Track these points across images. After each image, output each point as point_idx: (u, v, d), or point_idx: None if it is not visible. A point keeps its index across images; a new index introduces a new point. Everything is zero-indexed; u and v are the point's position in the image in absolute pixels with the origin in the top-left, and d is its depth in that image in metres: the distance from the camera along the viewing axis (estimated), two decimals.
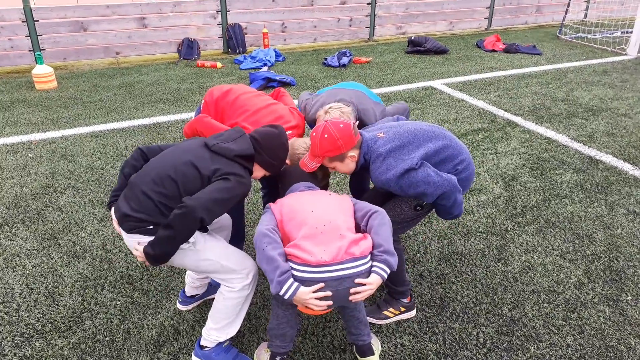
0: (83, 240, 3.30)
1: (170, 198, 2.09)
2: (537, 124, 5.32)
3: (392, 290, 2.64)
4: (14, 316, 2.66)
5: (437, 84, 6.68)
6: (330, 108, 2.74)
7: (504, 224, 3.54)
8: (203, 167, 2.14)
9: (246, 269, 2.25)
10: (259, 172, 2.37)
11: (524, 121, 5.38)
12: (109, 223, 3.49)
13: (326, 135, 2.34)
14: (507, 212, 3.69)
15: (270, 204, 2.26)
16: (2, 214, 3.59)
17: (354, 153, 2.41)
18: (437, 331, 2.61)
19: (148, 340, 2.52)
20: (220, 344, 2.35)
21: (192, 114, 5.51)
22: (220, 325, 2.29)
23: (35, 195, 3.84)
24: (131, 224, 2.11)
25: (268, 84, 6.46)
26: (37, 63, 6.48)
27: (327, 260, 1.97)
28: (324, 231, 2.05)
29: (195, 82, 6.70)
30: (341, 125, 2.35)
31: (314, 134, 2.40)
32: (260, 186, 3.21)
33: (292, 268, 1.99)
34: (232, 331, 2.33)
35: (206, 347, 2.35)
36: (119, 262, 3.09)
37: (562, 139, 4.96)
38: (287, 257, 2.03)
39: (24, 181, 4.04)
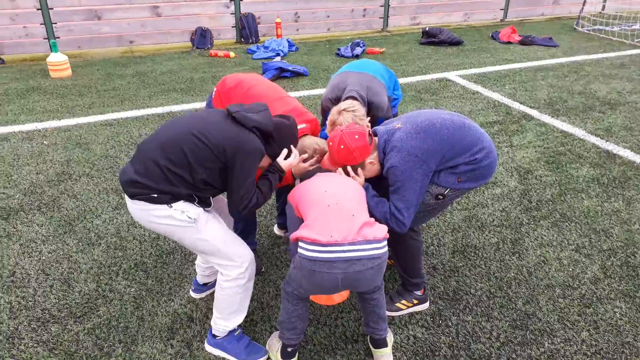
0: (98, 227, 3.32)
1: (177, 166, 2.05)
2: (553, 117, 5.25)
3: (406, 282, 2.63)
4: (30, 301, 2.69)
5: (452, 75, 6.61)
6: (344, 110, 2.70)
7: (519, 218, 3.50)
8: (213, 135, 2.06)
9: (241, 258, 2.23)
10: (266, 161, 2.34)
11: (539, 114, 5.31)
12: (123, 211, 3.51)
13: (342, 147, 2.35)
14: (522, 205, 3.65)
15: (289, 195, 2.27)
16: (18, 200, 3.63)
17: (372, 159, 2.39)
18: (450, 324, 2.60)
19: (162, 327, 2.53)
20: (231, 332, 2.36)
21: (204, 104, 5.50)
22: (225, 314, 2.30)
23: (51, 182, 3.87)
24: (136, 190, 2.07)
25: (281, 74, 6.43)
26: (51, 51, 6.51)
27: (338, 239, 1.96)
28: (335, 210, 2.04)
29: (208, 72, 6.69)
30: (356, 137, 2.34)
31: (330, 143, 2.40)
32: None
33: (302, 247, 1.99)
34: (239, 319, 2.34)
35: (218, 336, 2.36)
36: (133, 250, 3.11)
37: (579, 132, 4.89)
38: (299, 239, 2.03)
39: (40, 168, 4.08)
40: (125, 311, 2.63)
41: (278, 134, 2.27)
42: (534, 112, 5.36)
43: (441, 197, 2.38)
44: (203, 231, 2.16)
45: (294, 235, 2.06)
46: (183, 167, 2.05)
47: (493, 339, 2.51)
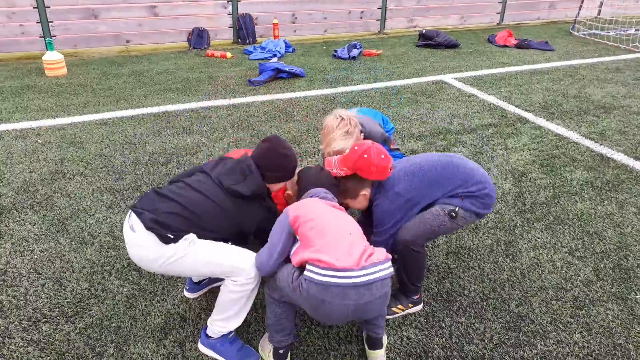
0: (91, 226, 3.31)
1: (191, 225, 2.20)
2: (548, 120, 5.27)
3: (407, 288, 2.63)
4: (22, 300, 2.68)
5: (448, 78, 6.63)
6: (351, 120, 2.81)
7: (513, 220, 3.51)
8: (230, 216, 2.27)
9: (248, 264, 2.22)
10: (276, 186, 2.48)
11: (535, 117, 5.33)
12: (117, 210, 3.49)
13: (365, 156, 2.40)
14: (516, 208, 3.66)
15: (288, 207, 2.25)
16: (11, 198, 3.61)
17: (366, 192, 2.52)
18: (443, 325, 2.60)
19: (154, 327, 2.52)
20: (225, 335, 2.35)
21: (201, 104, 5.50)
22: (225, 316, 2.29)
23: (44, 180, 3.86)
24: (153, 226, 2.12)
25: (277, 74, 6.43)
26: (47, 49, 6.50)
27: (352, 265, 1.94)
28: (346, 237, 2.05)
29: (205, 72, 6.69)
30: (382, 156, 2.42)
31: (356, 147, 2.45)
32: None
33: (313, 272, 1.95)
34: (237, 323, 2.32)
35: (211, 337, 2.35)
36: (125, 249, 3.09)
37: (573, 135, 4.91)
38: (307, 262, 2.00)
39: (33, 167, 4.06)
40: (117, 311, 2.62)
41: (266, 162, 2.39)
42: (529, 115, 5.38)
43: (454, 215, 2.47)
44: (200, 253, 2.18)
45: (299, 259, 2.04)
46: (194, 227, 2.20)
47: (486, 340, 2.52)
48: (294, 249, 2.14)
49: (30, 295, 2.71)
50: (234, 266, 2.20)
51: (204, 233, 2.20)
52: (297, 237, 2.13)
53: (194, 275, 2.32)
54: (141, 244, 2.15)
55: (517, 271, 3.01)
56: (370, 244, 2.15)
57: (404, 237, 2.49)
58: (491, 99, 5.87)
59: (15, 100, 5.51)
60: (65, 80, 6.22)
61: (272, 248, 2.16)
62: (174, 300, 2.71)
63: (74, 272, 2.90)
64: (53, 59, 6.38)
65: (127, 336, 2.46)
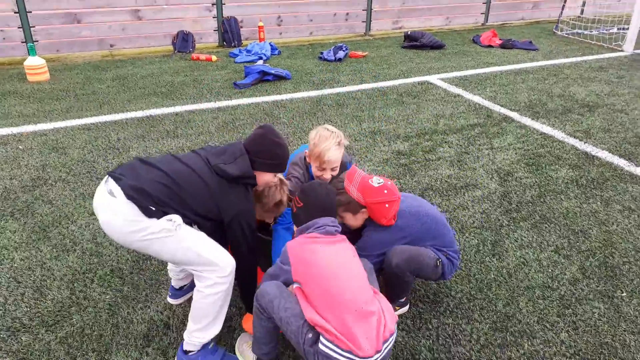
0: (73, 233, 3.25)
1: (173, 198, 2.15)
2: (533, 119, 5.29)
3: (394, 298, 2.59)
4: (0, 310, 2.62)
5: (433, 78, 6.64)
6: (325, 128, 2.82)
7: (499, 220, 3.51)
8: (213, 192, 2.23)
9: (224, 261, 2.17)
10: (265, 176, 2.41)
11: (520, 117, 5.36)
12: None
13: (387, 206, 2.40)
14: (502, 207, 3.67)
15: (289, 248, 2.18)
16: None
17: (365, 213, 2.48)
18: (430, 327, 2.58)
19: (137, 334, 2.48)
20: (205, 345, 2.28)
21: (186, 107, 5.45)
22: (202, 325, 2.21)
23: (25, 187, 3.79)
24: (134, 194, 2.06)
25: (263, 77, 6.40)
26: (29, 55, 6.40)
27: (371, 353, 1.92)
28: (362, 315, 1.98)
29: (190, 75, 6.64)
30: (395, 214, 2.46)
31: (386, 191, 2.41)
32: None
33: (334, 350, 1.92)
34: (215, 330, 2.26)
35: (191, 351, 2.27)
36: (109, 256, 3.04)
37: (558, 134, 4.93)
38: (323, 333, 1.96)
39: (14, 173, 3.98)
40: (99, 319, 2.57)
41: (258, 148, 2.37)
42: (514, 115, 5.40)
43: (438, 264, 2.52)
44: (184, 238, 2.12)
45: (311, 318, 1.99)
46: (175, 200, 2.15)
47: (473, 341, 2.50)
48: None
49: (10, 305, 2.65)
50: (211, 260, 2.14)
51: (184, 210, 2.14)
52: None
53: (166, 259, 2.24)
54: (118, 212, 2.06)
55: (504, 271, 3.01)
56: None
57: (395, 263, 2.43)
58: (477, 99, 5.89)
59: None
60: (48, 86, 6.13)
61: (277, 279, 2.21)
62: (157, 307, 2.66)
63: (54, 280, 2.84)
64: (35, 64, 6.28)
65: (109, 345, 2.41)
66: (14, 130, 4.81)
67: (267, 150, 2.36)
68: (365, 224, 2.54)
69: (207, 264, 2.14)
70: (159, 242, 2.09)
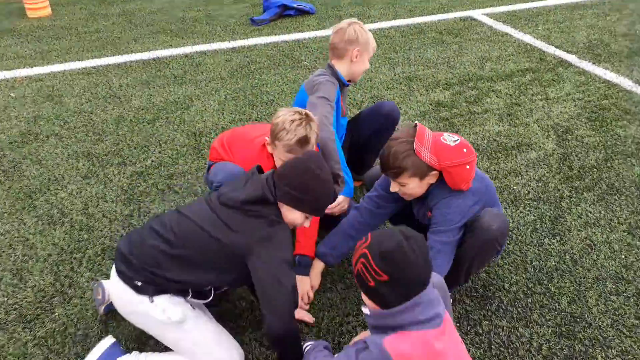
0: (62, 201, 2.84)
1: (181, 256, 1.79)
2: (594, 63, 4.55)
3: (456, 279, 2.14)
4: None
5: (477, 14, 5.83)
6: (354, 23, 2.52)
7: (559, 189, 2.96)
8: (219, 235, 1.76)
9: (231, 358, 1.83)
10: (290, 213, 1.83)
11: (578, 60, 4.61)
12: (93, 180, 3.01)
13: (467, 167, 1.92)
14: (561, 173, 3.09)
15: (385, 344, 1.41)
16: None
17: (433, 177, 1.99)
18: (480, 331, 2.12)
19: (128, 335, 2.08)
20: None
21: (197, 47, 4.87)
22: None
23: (14, 144, 3.36)
24: (123, 268, 1.80)
25: (284, 12, 5.71)
26: None
27: None
28: None
29: (203, 10, 5.98)
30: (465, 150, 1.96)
31: (465, 149, 1.94)
32: None
33: None
34: None
35: None
36: (100, 231, 2.63)
37: (625, 82, 4.21)
38: None
39: (3, 127, 3.55)
40: (85, 314, 2.18)
41: (287, 172, 1.82)
42: (571, 58, 4.65)
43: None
44: (187, 334, 1.78)
45: None
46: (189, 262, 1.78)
47: (533, 351, 2.04)
48: None
49: None
50: (218, 357, 1.82)
51: (189, 276, 1.78)
52: None
53: (170, 346, 1.89)
54: (113, 290, 1.87)
55: (567, 256, 2.50)
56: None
57: (497, 226, 1.97)
58: (527, 38, 5.12)
59: None
60: (49, 22, 5.58)
61: None
62: None
63: (37, 261, 2.45)
64: None
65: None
66: (7, 74, 4.34)
67: (299, 178, 1.79)
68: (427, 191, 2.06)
69: (209, 356, 1.82)
70: (161, 328, 1.82)
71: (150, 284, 1.75)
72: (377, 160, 2.33)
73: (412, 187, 1.99)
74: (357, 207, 2.23)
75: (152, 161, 3.17)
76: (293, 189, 1.77)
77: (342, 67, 2.53)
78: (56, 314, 2.18)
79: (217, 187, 2.22)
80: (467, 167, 1.92)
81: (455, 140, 1.95)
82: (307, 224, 1.87)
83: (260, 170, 1.93)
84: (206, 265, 1.76)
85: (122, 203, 2.82)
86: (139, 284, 1.74)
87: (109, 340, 1.92)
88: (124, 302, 1.83)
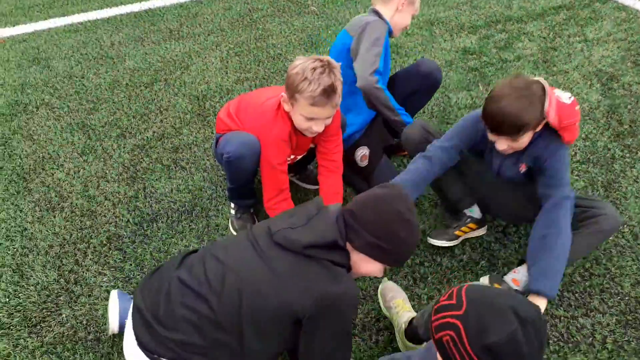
0: (60, 183, 2.57)
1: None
2: None
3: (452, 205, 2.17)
4: None
5: None
6: None
7: (609, 149, 2.65)
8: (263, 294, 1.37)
9: None
10: (365, 265, 1.47)
11: None
12: (91, 157, 2.72)
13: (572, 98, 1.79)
14: (610, 129, 2.78)
15: None
16: None
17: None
18: None
19: None
20: None
21: None
22: None
23: (1, 117, 3.05)
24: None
25: None
26: None
27: None
28: None
29: None
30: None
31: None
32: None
33: None
34: None
35: None
36: (104, 216, 2.38)
37: None
38: None
39: None
40: (95, 315, 1.97)
41: (365, 212, 1.42)
42: None
43: None
44: None
45: None
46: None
47: (597, 345, 1.83)
48: None
49: None
50: None
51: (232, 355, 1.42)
52: None
53: None
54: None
55: (626, 229, 2.24)
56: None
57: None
58: None
59: None
60: None
61: None
62: None
63: (38, 254, 2.21)
64: None
65: (110, 354, 1.83)
66: None
67: (388, 226, 1.40)
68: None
69: None
70: None
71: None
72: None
73: (524, 141, 1.82)
74: (428, 156, 1.97)
75: (154, 132, 2.87)
76: (378, 238, 1.39)
77: (387, 14, 2.27)
78: (63, 315, 1.96)
79: (229, 160, 1.95)
80: (577, 124, 1.83)
81: (569, 97, 1.81)
82: (380, 274, 1.53)
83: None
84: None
85: (125, 182, 2.56)
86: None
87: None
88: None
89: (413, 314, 1.82)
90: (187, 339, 1.39)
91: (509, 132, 1.75)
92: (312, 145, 2.21)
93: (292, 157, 2.16)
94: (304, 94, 1.81)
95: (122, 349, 1.83)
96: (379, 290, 1.96)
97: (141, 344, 1.45)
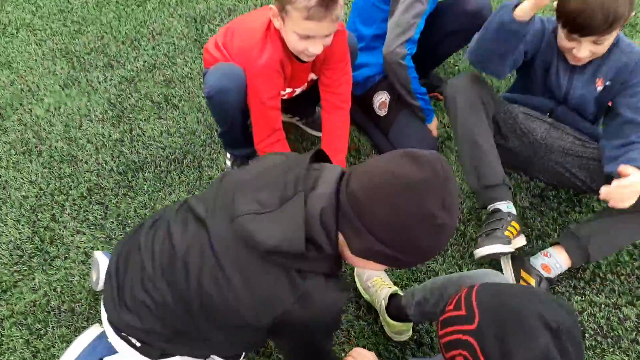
0: (38, 121, 2.29)
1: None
2: None
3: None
4: None
5: None
6: None
7: None
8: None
9: None
10: (362, 263, 1.06)
11: None
12: (75, 90, 2.42)
13: None
14: None
15: None
16: None
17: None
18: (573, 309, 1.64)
19: None
20: None
21: None
22: None
23: None
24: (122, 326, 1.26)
25: None
26: None
27: None
28: None
29: None
30: None
31: None
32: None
33: None
34: None
35: None
36: (85, 163, 2.12)
37: None
38: None
39: None
40: (71, 280, 1.77)
41: (371, 194, 0.96)
42: None
43: None
44: None
45: None
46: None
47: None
48: None
49: None
50: None
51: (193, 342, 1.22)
52: None
53: None
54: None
55: None
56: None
57: None
58: None
59: None
60: None
61: None
62: None
63: (12, 206, 2.00)
64: None
65: (85, 328, 1.65)
66: None
67: (399, 227, 0.94)
68: None
69: None
70: None
71: (151, 345, 1.23)
72: None
73: (608, 43, 1.49)
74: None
75: (145, 61, 2.53)
76: (388, 246, 0.97)
77: None
78: (36, 280, 1.78)
79: (209, 95, 1.66)
80: None
81: None
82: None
83: (321, 156, 1.17)
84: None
85: (110, 123, 2.27)
86: (137, 344, 1.24)
87: (94, 331, 1.53)
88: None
89: (393, 288, 1.58)
90: (151, 328, 1.20)
91: (598, 28, 1.39)
92: (314, 77, 1.84)
93: (290, 90, 1.81)
94: (296, 3, 1.42)
95: (99, 321, 1.65)
96: (355, 272, 1.70)
97: (111, 323, 1.28)
